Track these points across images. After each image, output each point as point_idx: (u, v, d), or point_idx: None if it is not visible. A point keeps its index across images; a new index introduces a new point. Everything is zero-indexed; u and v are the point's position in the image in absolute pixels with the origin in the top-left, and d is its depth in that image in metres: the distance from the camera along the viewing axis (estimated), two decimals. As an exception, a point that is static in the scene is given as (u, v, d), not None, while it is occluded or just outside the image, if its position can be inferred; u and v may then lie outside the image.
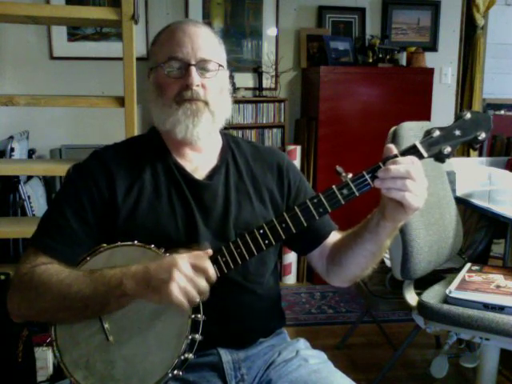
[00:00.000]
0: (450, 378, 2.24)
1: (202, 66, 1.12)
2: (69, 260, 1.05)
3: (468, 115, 1.01)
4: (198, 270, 0.94)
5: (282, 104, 3.46)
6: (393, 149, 0.99)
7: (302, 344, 1.23)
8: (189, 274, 0.93)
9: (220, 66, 1.14)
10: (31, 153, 3.08)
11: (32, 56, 3.30)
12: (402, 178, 0.94)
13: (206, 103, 1.12)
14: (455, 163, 2.41)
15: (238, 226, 1.13)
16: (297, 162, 3.35)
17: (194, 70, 1.10)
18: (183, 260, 0.94)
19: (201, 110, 1.11)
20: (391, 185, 0.95)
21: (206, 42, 1.13)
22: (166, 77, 1.12)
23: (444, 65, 3.84)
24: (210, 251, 1.00)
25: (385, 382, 2.22)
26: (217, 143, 1.22)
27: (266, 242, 1.01)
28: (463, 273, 1.92)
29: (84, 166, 1.15)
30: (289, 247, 1.29)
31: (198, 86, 1.10)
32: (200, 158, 1.18)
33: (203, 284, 0.94)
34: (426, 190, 0.98)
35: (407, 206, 0.96)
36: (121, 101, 1.95)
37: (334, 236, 1.22)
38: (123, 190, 1.10)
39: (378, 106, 3.36)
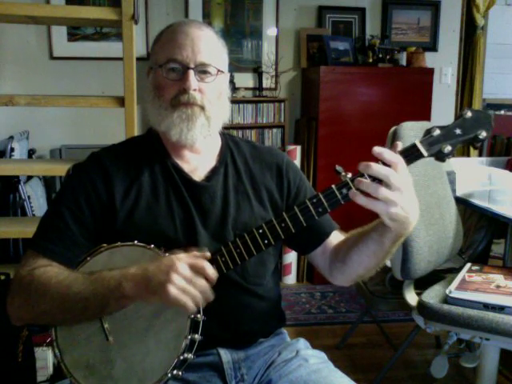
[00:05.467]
0: (449, 378, 2.24)
1: (201, 69, 1.11)
2: (68, 262, 1.05)
3: (469, 114, 1.00)
4: (195, 269, 0.94)
5: (282, 104, 3.46)
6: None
7: (302, 344, 1.23)
8: (186, 274, 0.93)
9: (219, 71, 1.13)
10: (31, 153, 3.09)
11: (32, 56, 3.30)
12: (378, 187, 0.91)
13: (203, 108, 1.11)
14: (455, 163, 2.41)
15: (237, 227, 1.13)
16: (297, 162, 3.35)
17: (192, 73, 1.09)
18: (180, 261, 0.94)
19: (196, 115, 1.10)
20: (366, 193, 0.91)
21: (207, 46, 1.12)
22: (164, 78, 1.11)
23: (444, 65, 3.84)
24: (208, 254, 1.00)
25: (385, 382, 2.22)
26: (215, 144, 1.22)
27: (266, 241, 1.01)
28: (463, 273, 1.92)
29: (82, 167, 1.15)
30: (289, 247, 1.29)
31: (195, 90, 1.09)
32: (198, 160, 1.18)
33: (202, 283, 0.94)
34: (412, 199, 0.94)
35: (387, 218, 0.94)
36: (121, 101, 1.95)
37: (336, 235, 1.22)
38: (121, 191, 1.10)
39: (377, 106, 3.36)
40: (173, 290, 0.91)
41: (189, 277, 0.93)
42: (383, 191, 0.91)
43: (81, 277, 1.00)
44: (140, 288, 0.95)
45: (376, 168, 0.91)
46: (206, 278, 0.95)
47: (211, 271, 0.96)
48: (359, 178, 0.93)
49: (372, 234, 1.05)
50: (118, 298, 0.97)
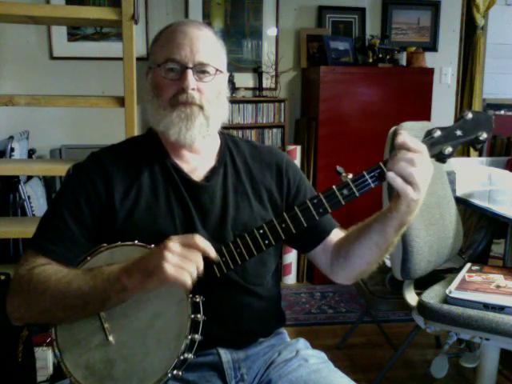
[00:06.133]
0: (449, 378, 2.24)
1: (200, 69, 1.11)
2: (68, 262, 1.05)
3: (469, 115, 1.01)
4: (187, 245, 0.95)
5: (282, 104, 3.46)
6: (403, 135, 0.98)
7: (302, 344, 1.23)
8: (179, 251, 0.94)
9: (218, 70, 1.13)
10: (31, 153, 3.09)
11: (32, 56, 3.30)
12: (405, 165, 0.94)
13: (201, 107, 1.11)
14: (455, 163, 2.40)
15: (236, 227, 1.13)
16: (297, 162, 3.35)
17: (190, 73, 1.09)
18: (172, 241, 0.95)
19: (195, 114, 1.10)
20: (394, 169, 0.95)
21: (205, 46, 1.12)
22: (162, 78, 1.11)
23: (444, 65, 3.84)
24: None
25: (385, 382, 2.22)
26: (215, 144, 1.22)
27: (266, 242, 1.01)
28: (463, 273, 1.92)
29: (82, 167, 1.16)
30: (289, 245, 1.29)
31: (193, 89, 1.09)
32: (198, 159, 1.18)
33: (196, 257, 0.95)
34: (427, 187, 0.98)
35: (403, 195, 0.96)
36: (121, 101, 1.96)
37: (336, 233, 1.22)
38: (121, 191, 1.11)
39: (377, 106, 3.36)
40: (169, 268, 0.91)
41: (181, 253, 0.94)
42: (418, 173, 0.94)
43: (80, 273, 1.01)
44: (138, 277, 0.95)
45: (411, 144, 0.95)
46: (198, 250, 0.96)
47: (203, 242, 0.96)
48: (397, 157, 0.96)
49: (375, 225, 1.06)
50: (118, 291, 0.97)
